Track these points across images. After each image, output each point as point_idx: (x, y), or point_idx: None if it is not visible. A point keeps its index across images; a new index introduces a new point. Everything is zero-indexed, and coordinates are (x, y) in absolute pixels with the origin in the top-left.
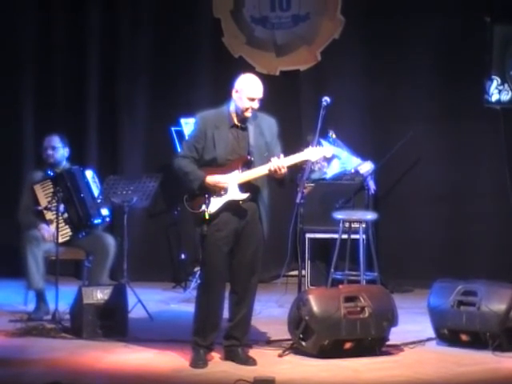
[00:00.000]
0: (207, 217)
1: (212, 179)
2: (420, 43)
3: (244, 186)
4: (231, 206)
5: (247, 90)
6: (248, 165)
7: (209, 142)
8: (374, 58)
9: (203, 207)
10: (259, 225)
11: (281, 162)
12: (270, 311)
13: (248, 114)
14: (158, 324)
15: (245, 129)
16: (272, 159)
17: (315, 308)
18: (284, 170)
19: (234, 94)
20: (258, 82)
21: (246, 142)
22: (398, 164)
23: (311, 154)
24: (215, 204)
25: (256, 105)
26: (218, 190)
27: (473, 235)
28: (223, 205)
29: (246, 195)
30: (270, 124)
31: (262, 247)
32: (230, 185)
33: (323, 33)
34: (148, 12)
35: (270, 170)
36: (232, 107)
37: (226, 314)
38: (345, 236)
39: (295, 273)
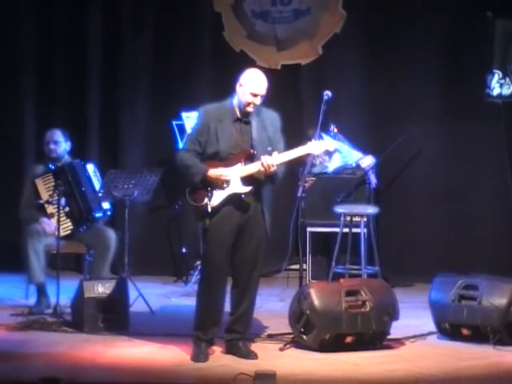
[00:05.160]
0: (210, 210)
1: (214, 172)
2: (421, 37)
3: (246, 180)
4: (234, 200)
5: (251, 85)
6: (251, 158)
7: (212, 135)
8: (376, 52)
9: (205, 200)
10: (262, 219)
11: (271, 160)
12: (271, 305)
13: (250, 109)
14: (159, 318)
15: (248, 123)
16: (262, 157)
17: (316, 302)
18: (273, 169)
19: (237, 87)
20: (263, 79)
21: (249, 136)
22: (400, 158)
23: (314, 147)
24: (218, 197)
25: (258, 101)
26: (220, 183)
27: (474, 229)
28: (226, 198)
29: (248, 188)
30: (273, 118)
31: (265, 242)
32: (233, 178)
33: (324, 27)
34: (149, 6)
35: (260, 168)
36: (235, 101)
37: (227, 307)
38: (346, 230)
39: (296, 267)
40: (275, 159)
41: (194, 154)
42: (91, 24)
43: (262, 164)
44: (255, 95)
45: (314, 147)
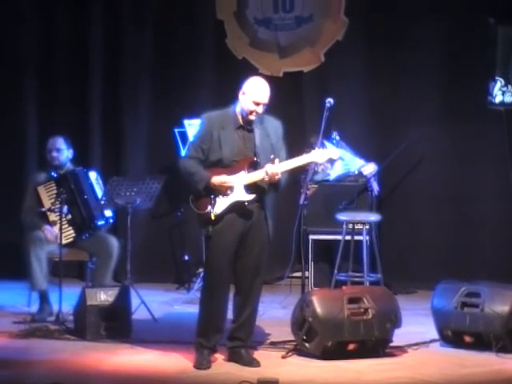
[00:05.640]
0: (213, 218)
1: (218, 180)
2: (423, 44)
3: (250, 188)
4: (237, 207)
5: (253, 93)
6: (254, 166)
7: (214, 142)
8: (378, 59)
9: (209, 208)
10: (265, 226)
11: (275, 169)
12: (274, 312)
13: (252, 117)
14: (161, 325)
15: (251, 130)
16: (267, 165)
17: (319, 309)
18: (278, 177)
19: (240, 95)
20: (266, 87)
21: (252, 143)
22: (402, 165)
23: (318, 155)
24: (221, 205)
25: (260, 109)
26: (223, 191)
27: (476, 236)
28: (229, 206)
29: (251, 196)
30: (275, 126)
31: (267, 249)
32: (236, 185)
33: (326, 34)
34: (151, 13)
35: (264, 177)
36: (238, 108)
37: (230, 315)
38: (348, 237)
39: (299, 274)
40: (279, 167)
41: (197, 162)
42: (92, 24)
43: (267, 172)
44: (257, 104)
45: (318, 155)
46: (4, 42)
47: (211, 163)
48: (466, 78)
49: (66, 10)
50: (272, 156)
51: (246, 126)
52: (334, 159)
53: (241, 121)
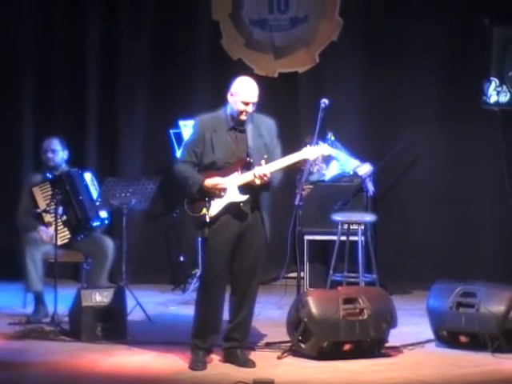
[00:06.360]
0: (208, 220)
1: (211, 182)
2: (419, 45)
3: (244, 188)
4: (232, 209)
5: (241, 93)
6: (248, 166)
7: (207, 145)
8: (373, 59)
9: (204, 210)
10: (261, 227)
11: (263, 170)
12: (269, 313)
13: (243, 117)
14: (157, 326)
15: (243, 131)
16: (255, 168)
17: (314, 310)
18: (267, 178)
19: (229, 96)
20: (254, 86)
21: (244, 144)
22: (397, 166)
23: (309, 152)
24: (216, 207)
25: (250, 109)
26: (217, 193)
27: (472, 237)
28: (224, 207)
29: (245, 196)
30: (268, 125)
31: (264, 250)
32: (230, 187)
33: (322, 35)
34: (147, 15)
35: (254, 179)
36: (229, 110)
37: (225, 315)
38: (343, 238)
39: (294, 275)
40: (268, 168)
41: (191, 165)
42: (90, 26)
43: (255, 175)
44: (246, 103)
45: (309, 152)
46: (2, 42)
47: (205, 166)
48: (461, 78)
49: (64, 11)
50: (266, 156)
51: (238, 126)
52: (326, 155)
53: (232, 122)
